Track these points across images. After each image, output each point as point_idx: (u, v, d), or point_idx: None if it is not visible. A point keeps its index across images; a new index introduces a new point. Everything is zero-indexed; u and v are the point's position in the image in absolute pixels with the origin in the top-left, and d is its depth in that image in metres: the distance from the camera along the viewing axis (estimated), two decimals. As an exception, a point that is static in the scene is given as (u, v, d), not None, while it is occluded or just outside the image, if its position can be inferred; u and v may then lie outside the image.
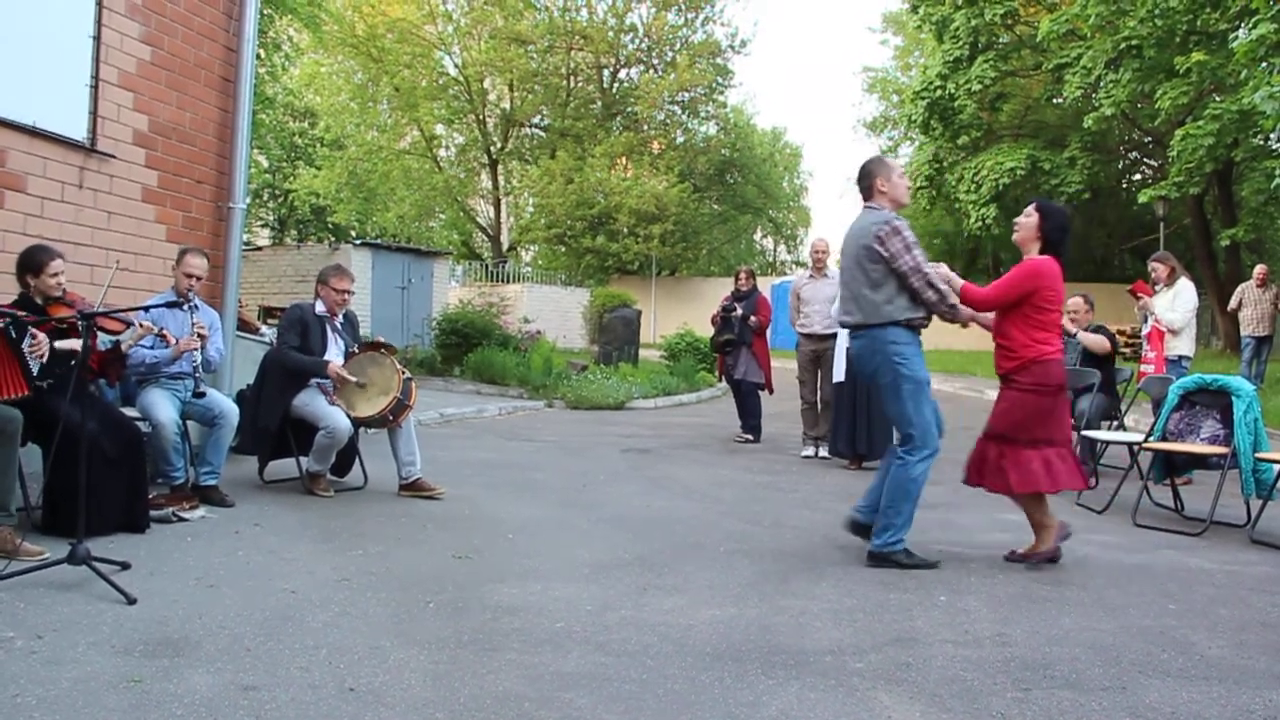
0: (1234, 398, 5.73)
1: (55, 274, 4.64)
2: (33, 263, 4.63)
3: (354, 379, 5.99)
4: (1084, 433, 6.92)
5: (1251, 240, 21.80)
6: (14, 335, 4.14)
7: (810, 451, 8.62)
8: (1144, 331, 7.88)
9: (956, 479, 4.74)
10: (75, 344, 4.38)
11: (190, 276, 5.54)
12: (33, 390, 4.19)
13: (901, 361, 4.62)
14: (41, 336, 4.28)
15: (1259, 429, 5.66)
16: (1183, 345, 7.69)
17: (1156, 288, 7.84)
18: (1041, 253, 4.71)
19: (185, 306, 5.44)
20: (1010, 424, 4.69)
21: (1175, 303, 7.64)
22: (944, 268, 4.80)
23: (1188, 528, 5.69)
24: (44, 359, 4.31)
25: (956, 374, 17.55)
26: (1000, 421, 4.74)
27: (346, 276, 6.19)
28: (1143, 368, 7.86)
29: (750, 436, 9.52)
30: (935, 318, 4.74)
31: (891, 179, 4.79)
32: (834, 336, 8.16)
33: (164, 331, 5.25)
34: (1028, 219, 4.76)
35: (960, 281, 4.83)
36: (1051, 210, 4.78)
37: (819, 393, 8.65)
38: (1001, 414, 4.74)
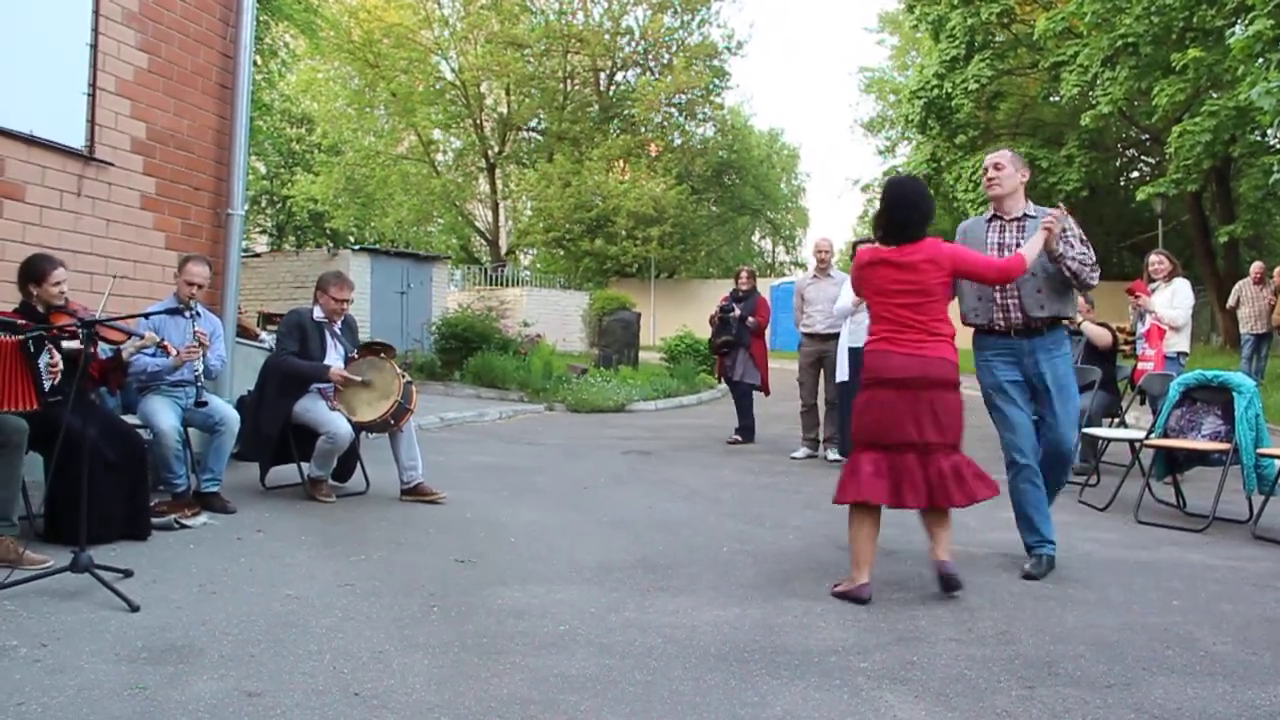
0: (1235, 394, 5.73)
1: (58, 283, 4.64)
2: (35, 272, 4.63)
3: (358, 378, 6.01)
4: (1086, 430, 6.92)
5: (1250, 236, 21.78)
6: (33, 350, 4.14)
7: (803, 453, 8.58)
8: (1141, 330, 7.92)
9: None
10: (79, 345, 4.37)
11: (192, 285, 5.52)
12: (44, 406, 4.18)
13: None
14: (59, 358, 4.28)
15: (1260, 425, 5.66)
16: (1182, 342, 7.77)
17: (1154, 284, 7.87)
18: None
19: (187, 314, 5.42)
20: None
21: (1175, 300, 7.70)
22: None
23: (1190, 524, 5.69)
24: (56, 380, 4.30)
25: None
26: None
27: (347, 285, 6.17)
28: (1141, 365, 7.89)
29: (740, 438, 9.50)
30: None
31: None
32: (836, 337, 8.14)
33: (165, 343, 5.24)
34: None
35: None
36: None
37: (820, 394, 8.64)
38: None
